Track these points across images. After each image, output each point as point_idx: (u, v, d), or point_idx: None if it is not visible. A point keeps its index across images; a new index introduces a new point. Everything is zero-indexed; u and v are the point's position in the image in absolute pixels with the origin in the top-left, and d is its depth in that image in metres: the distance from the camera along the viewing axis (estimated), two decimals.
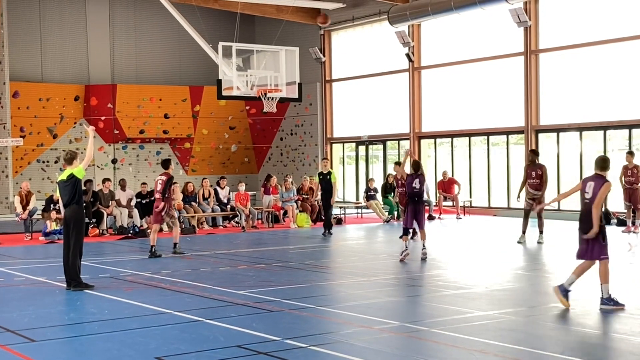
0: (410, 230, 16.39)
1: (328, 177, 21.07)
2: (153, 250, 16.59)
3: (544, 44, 25.51)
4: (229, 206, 23.98)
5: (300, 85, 21.68)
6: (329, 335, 8.88)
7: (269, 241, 19.95)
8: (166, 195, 16.68)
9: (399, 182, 19.16)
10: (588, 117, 24.33)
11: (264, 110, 21.34)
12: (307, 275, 13.85)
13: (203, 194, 23.81)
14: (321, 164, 22.73)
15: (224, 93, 21.08)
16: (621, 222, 21.16)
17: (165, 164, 17.15)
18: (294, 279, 13.33)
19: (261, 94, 20.68)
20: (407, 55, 29.14)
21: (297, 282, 12.92)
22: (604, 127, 24.11)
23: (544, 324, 9.42)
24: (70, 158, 12.36)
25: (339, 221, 24.35)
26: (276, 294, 11.49)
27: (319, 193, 21.62)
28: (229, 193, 24.44)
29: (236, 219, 23.81)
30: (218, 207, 23.89)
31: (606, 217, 22.00)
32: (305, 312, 10.21)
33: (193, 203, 23.25)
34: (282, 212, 24.35)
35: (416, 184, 15.56)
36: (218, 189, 24.31)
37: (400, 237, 15.94)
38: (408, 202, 15.78)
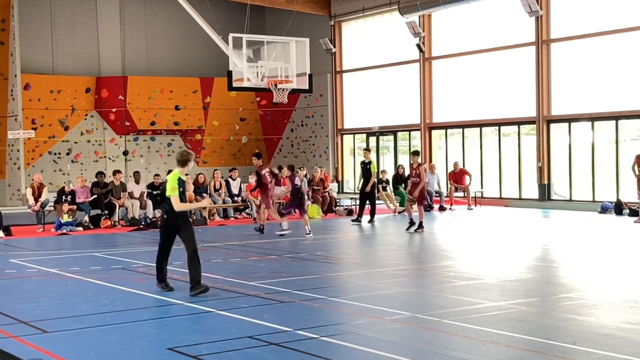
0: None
1: (368, 166, 21.56)
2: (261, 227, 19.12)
3: (555, 33, 25.39)
4: (240, 197, 24.00)
5: (310, 76, 21.65)
6: (340, 326, 8.89)
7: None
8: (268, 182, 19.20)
9: (414, 172, 19.10)
10: (600, 107, 24.22)
11: (275, 102, 21.33)
12: (318, 266, 13.85)
13: (214, 186, 23.85)
14: (362, 153, 23.42)
15: (235, 84, 21.06)
16: (633, 213, 21.07)
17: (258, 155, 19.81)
18: (305, 270, 13.35)
19: (271, 85, 20.66)
20: (418, 45, 29.07)
21: (309, 273, 12.94)
22: (616, 117, 24.00)
23: (556, 314, 9.39)
24: (185, 160, 11.19)
25: (350, 212, 24.34)
26: (287, 285, 11.51)
27: (361, 182, 22.02)
28: (240, 184, 24.46)
29: (247, 210, 23.83)
30: (229, 199, 23.92)
31: (618, 207, 21.96)
32: (317, 303, 10.22)
33: (204, 194, 23.27)
34: None
35: (297, 181, 18.98)
36: (229, 180, 24.33)
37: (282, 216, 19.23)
38: (293, 196, 19.16)
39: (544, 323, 8.99)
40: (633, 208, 21.34)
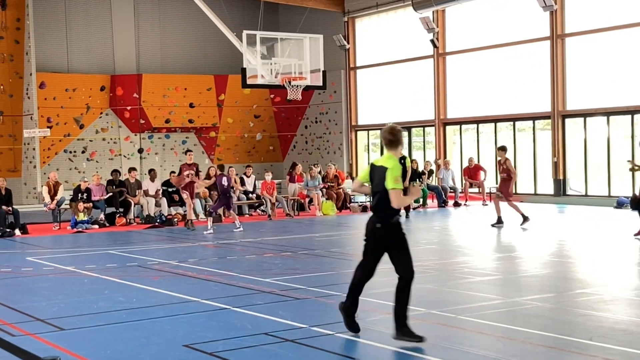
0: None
1: (402, 161, 21.39)
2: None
3: (570, 28, 25.26)
4: (254, 194, 24.05)
5: (324, 72, 21.67)
6: None
7: (294, 229, 19.98)
8: None
9: (502, 167, 18.84)
10: (615, 101, 24.07)
11: (289, 98, 21.38)
12: (333, 262, 13.86)
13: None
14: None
15: (249, 81, 21.11)
16: None
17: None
18: (320, 266, 13.35)
19: (285, 82, 20.69)
20: (432, 41, 28.99)
21: (323, 269, 12.94)
22: (632, 111, 23.85)
23: (571, 310, 9.36)
24: (399, 139, 8.35)
25: (365, 209, 24.33)
26: (302, 282, 11.52)
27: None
28: (255, 181, 24.50)
29: (262, 207, 23.87)
30: (244, 196, 23.96)
31: (635, 202, 21.83)
32: (332, 300, 10.22)
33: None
34: (307, 200, 24.36)
35: (224, 181, 19.20)
36: (244, 177, 24.37)
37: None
38: (221, 196, 19.52)
39: (560, 319, 8.96)
40: None
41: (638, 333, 8.09)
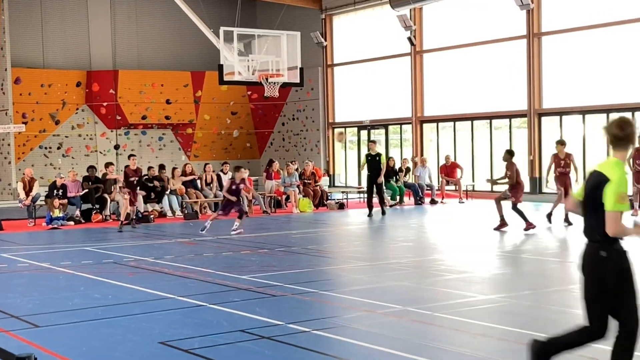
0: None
1: (377, 158, 21.50)
2: None
3: (546, 26, 25.41)
4: None
5: (301, 70, 21.65)
6: (332, 320, 8.89)
7: (271, 226, 19.96)
8: None
9: (561, 162, 18.33)
10: (591, 100, 24.24)
11: (266, 95, 21.34)
12: (310, 260, 13.86)
13: (205, 179, 23.82)
14: (369, 146, 23.24)
15: (226, 78, 21.05)
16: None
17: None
18: (297, 263, 13.35)
19: (262, 78, 20.65)
20: (409, 39, 29.05)
21: (300, 266, 12.94)
22: (607, 110, 24.03)
23: (547, 307, 9.42)
24: (624, 138, 5.81)
25: (341, 206, 24.35)
26: (279, 279, 11.50)
27: (367, 175, 21.85)
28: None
29: None
30: (221, 193, 23.87)
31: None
32: (308, 297, 10.22)
33: (197, 187, 23.26)
34: (284, 197, 24.35)
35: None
36: (221, 174, 24.31)
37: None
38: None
39: (535, 316, 9.02)
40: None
41: (611, 330, 8.14)
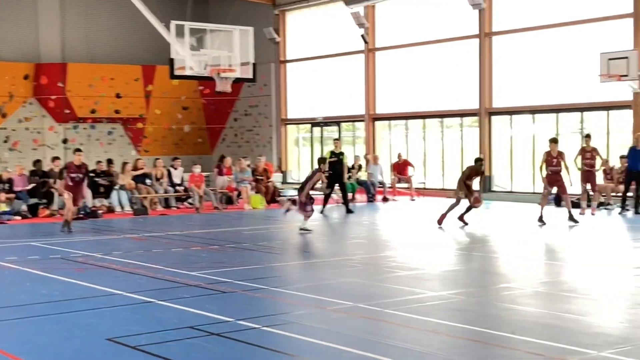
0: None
1: (341, 157, 21.57)
2: None
3: (497, 26, 25.65)
4: (182, 187, 23.80)
5: (254, 65, 21.52)
6: (282, 316, 8.87)
7: (222, 222, 19.85)
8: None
9: (553, 160, 18.16)
10: (541, 100, 24.53)
11: (218, 91, 21.15)
12: (261, 256, 13.80)
13: (156, 175, 23.60)
14: (333, 144, 23.26)
15: (177, 72, 20.82)
16: (575, 205, 21.32)
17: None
18: (248, 260, 13.28)
19: (214, 74, 20.48)
20: (362, 36, 29.09)
21: (251, 263, 12.88)
22: (557, 110, 24.36)
23: (495, 304, 9.51)
24: None
25: (293, 202, 24.24)
26: (229, 275, 11.44)
27: (330, 173, 21.71)
28: (183, 174, 24.25)
29: (190, 200, 23.63)
30: (171, 188, 23.69)
31: (558, 199, 22.33)
32: (259, 294, 10.18)
33: (148, 181, 23.00)
34: (236, 193, 24.23)
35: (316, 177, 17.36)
36: (171, 169, 24.11)
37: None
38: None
39: (484, 312, 9.09)
40: (573, 200, 21.59)
41: (559, 327, 8.25)
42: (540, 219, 17.95)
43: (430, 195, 26.59)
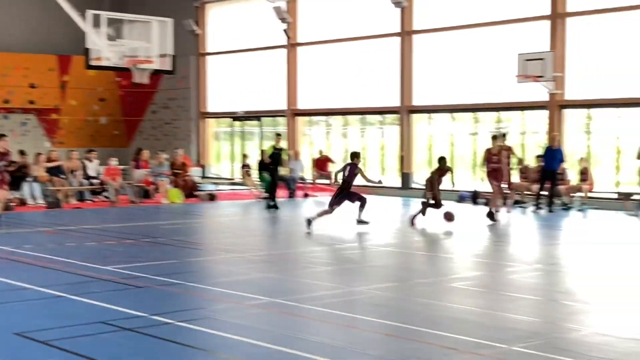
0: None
1: (281, 152, 22.04)
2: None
3: (419, 25, 25.88)
4: (97, 180, 23.31)
5: (173, 57, 21.20)
6: (197, 311, 8.73)
7: (138, 216, 19.51)
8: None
9: (493, 157, 18.05)
10: (459, 99, 24.84)
11: (135, 82, 20.75)
12: (177, 251, 13.60)
13: (70, 167, 23.04)
14: (275, 139, 23.05)
15: (93, 63, 20.33)
16: (487, 203, 21.64)
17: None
18: (164, 255, 13.07)
19: (131, 65, 20.09)
20: (284, 31, 28.99)
21: (167, 258, 12.67)
22: (474, 109, 24.73)
23: (411, 299, 9.56)
24: None
25: (212, 197, 24.08)
26: (144, 270, 11.23)
27: (270, 167, 21.59)
28: (98, 167, 23.76)
29: (105, 193, 23.15)
30: (86, 181, 23.18)
31: (474, 197, 22.69)
32: (174, 289, 10.01)
33: (61, 175, 22.45)
34: (153, 187, 23.85)
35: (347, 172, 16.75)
36: (87, 162, 23.59)
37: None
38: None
39: (399, 307, 9.14)
40: (489, 198, 21.90)
41: (472, 321, 8.34)
42: (490, 215, 17.86)
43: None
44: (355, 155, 17.12)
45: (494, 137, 18.90)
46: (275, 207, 20.97)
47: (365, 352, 7.07)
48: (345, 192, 16.71)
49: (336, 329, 7.97)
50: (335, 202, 16.72)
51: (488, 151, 18.38)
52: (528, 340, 7.44)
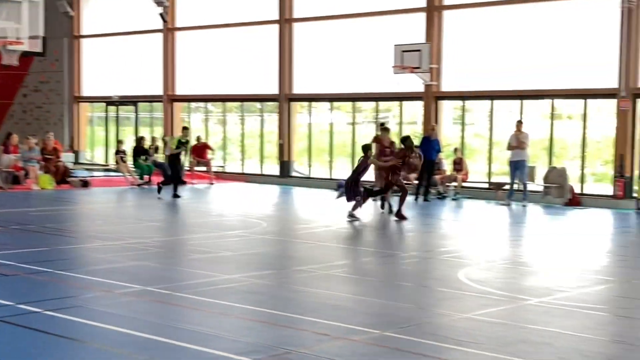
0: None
1: (186, 144, 21.43)
2: None
3: (298, 13, 25.88)
4: None
5: (44, 39, 20.51)
6: (67, 300, 8.48)
7: (7, 203, 18.76)
8: None
9: (386, 150, 17.77)
10: (339, 88, 25.00)
11: (4, 64, 19.95)
12: (48, 238, 13.18)
13: None
14: (182, 132, 21.91)
15: None
16: (371, 193, 21.84)
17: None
18: (33, 242, 12.63)
19: (0, 46, 19.31)
20: (161, 15, 28.42)
21: (36, 245, 12.25)
22: (354, 99, 24.95)
23: (287, 286, 9.59)
24: None
25: (85, 184, 23.43)
26: (12, 258, 10.83)
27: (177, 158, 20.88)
28: None
29: None
30: None
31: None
32: (43, 277, 9.69)
33: None
34: (23, 172, 22.98)
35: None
36: None
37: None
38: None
39: (275, 295, 9.13)
40: (366, 187, 22.14)
41: (346, 308, 8.42)
42: (382, 207, 17.80)
43: (230, 180, 26.51)
44: (368, 148, 16.65)
45: (385, 129, 19.03)
46: (177, 196, 20.41)
47: (237, 340, 7.02)
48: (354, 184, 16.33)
49: (209, 317, 7.89)
50: (353, 193, 16.25)
51: (381, 144, 18.34)
52: (400, 326, 7.57)
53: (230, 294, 9.01)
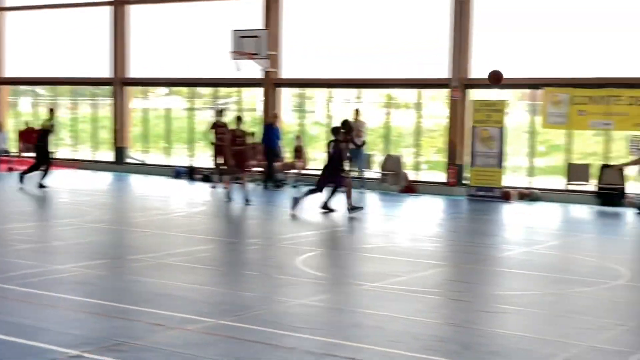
0: None
1: (52, 127, 19.91)
2: None
3: None
4: None
5: None
6: None
7: None
8: None
9: (237, 139, 17.00)
10: (177, 73, 24.51)
11: None
12: None
13: None
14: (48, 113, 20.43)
15: None
16: (205, 178, 21.67)
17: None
18: None
19: None
20: None
21: None
22: (193, 83, 24.58)
23: (120, 276, 9.32)
24: None
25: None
26: None
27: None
28: None
29: None
30: None
31: (191, 173, 22.64)
32: None
33: None
34: None
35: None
36: None
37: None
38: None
39: (107, 285, 8.86)
40: (205, 174, 21.93)
41: (181, 297, 8.26)
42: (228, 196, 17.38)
43: (61, 167, 25.45)
44: (337, 130, 15.59)
45: (239, 118, 18.29)
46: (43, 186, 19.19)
47: (66, 332, 6.73)
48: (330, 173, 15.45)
49: (37, 309, 7.53)
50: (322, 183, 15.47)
51: (232, 132, 17.60)
52: (236, 314, 7.50)
53: (60, 284, 8.65)
